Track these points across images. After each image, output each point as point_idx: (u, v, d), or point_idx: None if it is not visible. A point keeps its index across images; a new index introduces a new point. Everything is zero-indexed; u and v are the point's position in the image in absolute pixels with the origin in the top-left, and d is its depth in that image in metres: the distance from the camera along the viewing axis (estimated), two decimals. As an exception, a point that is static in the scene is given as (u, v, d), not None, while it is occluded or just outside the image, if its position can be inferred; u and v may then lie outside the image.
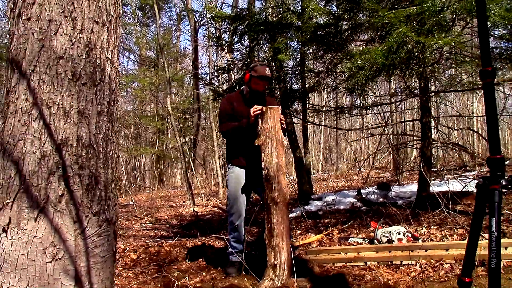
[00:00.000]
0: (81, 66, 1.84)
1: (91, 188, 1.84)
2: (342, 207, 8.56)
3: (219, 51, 16.89)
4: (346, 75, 6.43)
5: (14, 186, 1.74)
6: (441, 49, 5.95)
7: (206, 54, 22.44)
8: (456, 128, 16.44)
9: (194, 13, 21.74)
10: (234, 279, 4.72)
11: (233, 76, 9.17)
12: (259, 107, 4.36)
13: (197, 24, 23.13)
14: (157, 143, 25.03)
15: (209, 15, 6.94)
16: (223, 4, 21.50)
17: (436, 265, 4.67)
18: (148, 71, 24.75)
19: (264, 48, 7.53)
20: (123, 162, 22.05)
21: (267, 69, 4.72)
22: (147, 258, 6.15)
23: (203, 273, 4.80)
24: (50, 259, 1.75)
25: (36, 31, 1.81)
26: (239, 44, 7.33)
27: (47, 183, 1.75)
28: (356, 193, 9.34)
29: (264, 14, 7.19)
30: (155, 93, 22.44)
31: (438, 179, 10.08)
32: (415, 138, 11.73)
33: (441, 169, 12.05)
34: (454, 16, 5.24)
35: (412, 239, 5.41)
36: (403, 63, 5.38)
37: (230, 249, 4.94)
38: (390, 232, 5.45)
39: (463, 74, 7.63)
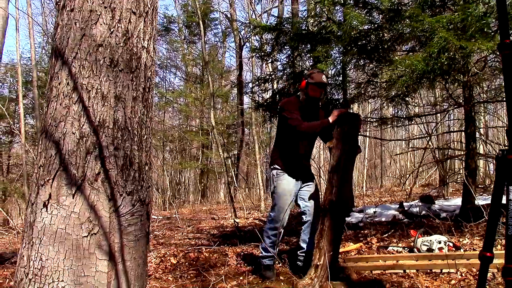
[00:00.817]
0: (118, 54, 1.95)
1: (126, 168, 1.93)
2: (383, 219, 8.44)
3: (263, 65, 17.05)
4: (386, 84, 6.43)
5: (54, 164, 1.85)
6: (485, 57, 5.87)
7: (250, 71, 22.65)
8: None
9: (239, 30, 22.10)
10: (271, 283, 4.74)
11: (274, 85, 9.27)
12: (343, 109, 4.57)
13: (241, 40, 23.46)
14: (201, 158, 25.35)
15: (251, 26, 7.07)
16: (269, 16, 21.68)
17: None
18: (194, 87, 25.20)
19: (304, 57, 7.58)
20: (167, 176, 22.41)
21: (323, 76, 4.81)
22: (186, 263, 6.25)
23: (241, 278, 4.84)
24: (86, 233, 1.84)
25: (78, 21, 1.94)
26: (279, 54, 7.45)
27: (85, 162, 1.86)
28: (398, 206, 9.20)
29: (305, 23, 7.27)
30: (200, 108, 22.80)
31: (485, 194, 9.81)
32: (459, 150, 11.48)
33: (489, 184, 11.72)
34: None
35: (453, 248, 5.29)
36: (445, 70, 5.32)
37: (264, 253, 4.97)
38: (430, 241, 5.34)
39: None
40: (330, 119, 4.53)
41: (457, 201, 9.56)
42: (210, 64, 22.60)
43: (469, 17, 4.99)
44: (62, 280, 1.79)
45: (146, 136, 2.03)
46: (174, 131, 25.99)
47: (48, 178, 1.85)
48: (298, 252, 5.01)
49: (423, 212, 8.34)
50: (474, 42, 4.80)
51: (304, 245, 4.91)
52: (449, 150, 11.71)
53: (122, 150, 1.92)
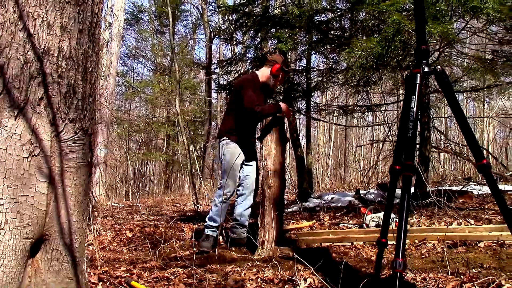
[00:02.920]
0: (66, -14, 2.02)
1: (69, 96, 2.00)
2: (339, 204, 8.66)
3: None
4: (344, 68, 6.62)
5: (-2, 87, 1.91)
6: (440, 44, 6.07)
7: (217, 59, 22.66)
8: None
9: (209, 22, 22.09)
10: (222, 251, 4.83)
11: (236, 69, 9.37)
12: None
13: (212, 33, 23.47)
14: (165, 147, 25.20)
15: (215, 5, 7.18)
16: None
17: (419, 244, 4.77)
18: (162, 78, 25.08)
19: (268, 40, 7.70)
20: (131, 167, 22.22)
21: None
22: (142, 237, 6.29)
23: (194, 249, 4.91)
24: (27, 155, 1.90)
25: (26, -50, 1.99)
26: (243, 37, 7.56)
27: (28, 86, 1.92)
28: (354, 193, 9.43)
29: (271, 5, 7.39)
30: (167, 98, 22.71)
31: (438, 186, 10.13)
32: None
33: (443, 179, 12.09)
34: (450, 10, 5.37)
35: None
36: (399, 54, 5.53)
37: (208, 222, 5.04)
38: (379, 217, 5.53)
39: (464, 75, 7.71)
40: (283, 106, 4.76)
41: (412, 188, 9.86)
42: (179, 55, 22.53)
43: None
44: (1, 198, 1.85)
45: (91, 68, 2.10)
46: (140, 121, 25.78)
47: (-10, 101, 1.90)
48: (232, 224, 5.14)
49: (378, 198, 8.58)
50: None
51: (239, 218, 5.06)
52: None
53: (66, 78, 1.99)
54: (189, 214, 9.99)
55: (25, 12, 1.95)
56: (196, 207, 10.21)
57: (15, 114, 1.90)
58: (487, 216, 5.71)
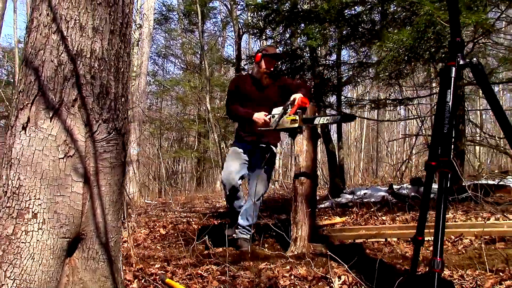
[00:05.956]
0: (97, -12, 2.04)
1: (102, 97, 2.02)
2: (372, 200, 8.55)
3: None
4: (375, 61, 6.52)
5: (33, 89, 1.94)
6: (474, 34, 5.93)
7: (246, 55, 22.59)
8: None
9: (238, 19, 22.10)
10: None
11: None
12: (267, 118, 4.63)
13: (241, 30, 23.47)
14: (196, 145, 25.37)
15: (244, 3, 7.18)
16: None
17: (455, 240, 4.68)
18: (192, 76, 25.24)
19: (298, 35, 7.64)
20: (163, 164, 22.45)
21: (276, 49, 5.08)
22: (175, 234, 6.35)
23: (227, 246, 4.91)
24: (62, 155, 1.93)
25: (58, -44, 2.02)
26: (273, 32, 7.54)
27: (62, 88, 1.95)
28: (388, 188, 9.30)
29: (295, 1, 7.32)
30: (197, 96, 22.86)
31: (474, 180, 9.91)
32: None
33: (479, 173, 11.82)
34: (486, -1, 5.23)
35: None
36: (432, 45, 5.41)
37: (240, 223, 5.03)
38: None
39: (500, 66, 7.50)
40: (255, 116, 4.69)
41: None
42: (208, 53, 22.65)
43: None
44: (39, 198, 1.89)
45: (123, 69, 2.12)
46: (171, 119, 26.02)
47: (27, 103, 1.94)
48: (236, 228, 5.11)
49: (412, 193, 8.44)
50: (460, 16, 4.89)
51: (242, 222, 5.00)
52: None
53: (98, 79, 2.01)
54: (221, 210, 10.04)
55: (58, 15, 1.98)
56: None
57: (50, 115, 1.93)
58: (524, 210, 5.56)
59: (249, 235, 5.03)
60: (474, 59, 1.54)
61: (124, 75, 2.13)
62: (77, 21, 1.99)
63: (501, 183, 7.88)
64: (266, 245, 5.35)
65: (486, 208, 6.00)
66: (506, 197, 7.11)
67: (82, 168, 1.98)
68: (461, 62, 1.52)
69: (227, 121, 24.96)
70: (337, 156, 10.01)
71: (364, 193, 9.21)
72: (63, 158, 1.94)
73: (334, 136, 11.31)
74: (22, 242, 1.85)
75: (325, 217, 6.84)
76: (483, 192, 6.75)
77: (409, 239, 4.96)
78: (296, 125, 4.42)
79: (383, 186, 10.46)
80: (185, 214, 9.90)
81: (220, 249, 4.95)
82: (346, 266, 3.43)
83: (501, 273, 3.18)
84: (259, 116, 4.66)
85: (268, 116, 4.61)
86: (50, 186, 1.91)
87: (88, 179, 2.00)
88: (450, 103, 1.46)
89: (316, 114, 5.16)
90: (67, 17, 1.98)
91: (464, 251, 4.32)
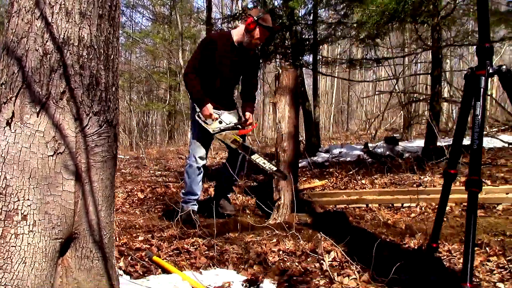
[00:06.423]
0: (82, -33, 1.86)
1: (92, 88, 1.89)
2: (348, 159, 8.62)
3: (233, 5, 16.62)
4: (357, 24, 6.38)
5: (17, 82, 1.80)
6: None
7: (220, 12, 22.08)
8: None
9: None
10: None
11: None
12: (215, 115, 4.45)
13: (211, -20, 22.76)
14: (168, 99, 25.06)
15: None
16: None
17: (436, 207, 4.74)
18: (161, 28, 24.56)
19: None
20: (134, 117, 22.11)
21: (270, 19, 4.60)
22: (153, 198, 6.30)
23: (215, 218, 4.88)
24: (52, 153, 1.81)
25: None
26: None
27: (49, 80, 1.80)
28: (363, 147, 9.38)
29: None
30: (167, 49, 22.33)
31: (447, 137, 10.08)
32: (424, 95, 11.66)
33: (450, 129, 12.03)
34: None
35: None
36: (415, 10, 5.32)
37: (183, 197, 4.84)
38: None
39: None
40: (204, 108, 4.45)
41: (420, 143, 9.80)
42: (179, 3, 21.99)
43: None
44: (28, 199, 1.78)
45: (113, 56, 1.98)
46: (141, 71, 25.47)
47: (10, 96, 1.79)
48: (217, 189, 5.05)
49: (387, 152, 8.54)
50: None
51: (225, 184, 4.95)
52: (414, 94, 11.88)
53: (88, 69, 1.87)
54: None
55: (41, -1, 1.81)
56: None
57: (37, 110, 1.80)
58: (502, 175, 5.67)
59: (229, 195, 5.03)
60: (504, 66, 1.46)
61: (114, 63, 1.99)
62: (63, 5, 1.82)
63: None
64: (247, 211, 5.35)
65: (463, 171, 6.10)
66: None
67: (73, 165, 1.87)
68: (490, 70, 1.44)
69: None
70: (313, 114, 9.99)
71: (340, 152, 9.28)
72: (52, 155, 1.82)
73: (309, 93, 11.26)
74: (12, 246, 1.75)
75: (304, 179, 6.86)
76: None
77: (390, 205, 5.03)
78: (234, 146, 4.51)
79: (358, 144, 10.56)
80: (160, 173, 9.83)
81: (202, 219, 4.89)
82: (332, 241, 3.45)
83: (487, 248, 3.23)
84: (207, 112, 4.43)
85: (215, 115, 4.45)
86: (40, 186, 1.80)
87: (80, 176, 1.89)
88: (479, 117, 1.39)
89: (294, 83, 5.03)
90: (51, 2, 1.81)
91: (445, 219, 4.38)
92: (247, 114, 4.69)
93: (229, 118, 4.53)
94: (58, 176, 1.84)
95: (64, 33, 1.83)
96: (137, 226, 4.69)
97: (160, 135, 27.56)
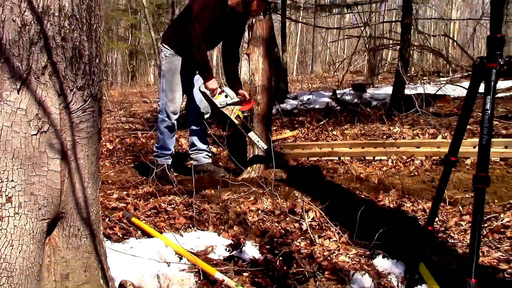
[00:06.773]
0: None
1: (75, 61, 1.77)
2: (317, 106, 8.66)
3: None
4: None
5: (-6, 56, 1.67)
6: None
7: None
8: (433, 34, 16.40)
9: None
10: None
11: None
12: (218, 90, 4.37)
13: None
14: (130, 38, 24.32)
15: None
16: None
17: (407, 161, 4.85)
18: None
19: None
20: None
21: None
22: (123, 149, 6.20)
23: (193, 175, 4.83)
24: (35, 131, 1.71)
25: None
26: None
27: (29, 54, 1.67)
28: (331, 94, 9.41)
29: None
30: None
31: (412, 83, 10.18)
32: (393, 41, 11.68)
33: (416, 74, 12.14)
34: None
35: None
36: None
37: (158, 151, 4.74)
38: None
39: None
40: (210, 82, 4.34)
41: (387, 89, 9.90)
42: None
43: None
44: (12, 180, 1.69)
45: (95, 25, 1.85)
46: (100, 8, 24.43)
47: (-13, 71, 1.67)
48: (190, 150, 4.94)
49: (355, 100, 8.60)
50: None
51: (197, 143, 4.83)
52: (383, 40, 11.88)
53: (70, 41, 1.75)
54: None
55: (16, -37, 1.65)
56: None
57: (18, 86, 1.68)
58: (469, 127, 5.80)
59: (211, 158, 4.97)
60: (515, 56, 1.43)
61: (97, 33, 1.87)
62: (41, -29, 1.67)
63: (439, 92, 8.12)
64: (220, 163, 5.35)
65: (430, 122, 6.22)
66: (446, 107, 7.39)
67: (59, 143, 1.78)
68: (501, 62, 1.40)
69: (161, 11, 23.79)
70: (281, 60, 9.89)
71: (308, 99, 9.29)
72: (36, 134, 1.72)
73: (278, 39, 11.10)
74: (-2, 229, 1.69)
75: (274, 128, 6.86)
76: (424, 104, 6.97)
77: (362, 158, 5.10)
78: (237, 122, 4.47)
79: (326, 90, 10.56)
80: (126, 119, 9.66)
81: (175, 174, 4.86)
82: (309, 199, 3.49)
83: (460, 207, 3.34)
84: (215, 85, 4.35)
85: (219, 90, 4.35)
86: (24, 166, 1.71)
87: (65, 154, 1.81)
88: (489, 112, 1.36)
89: (268, 33, 4.91)
90: (28, -33, 1.66)
91: (416, 173, 4.50)
92: (242, 91, 4.61)
93: (232, 92, 4.46)
94: (43, 156, 1.75)
95: (43, 2, 1.69)
96: (109, 181, 4.62)
97: (121, 75, 26.94)
